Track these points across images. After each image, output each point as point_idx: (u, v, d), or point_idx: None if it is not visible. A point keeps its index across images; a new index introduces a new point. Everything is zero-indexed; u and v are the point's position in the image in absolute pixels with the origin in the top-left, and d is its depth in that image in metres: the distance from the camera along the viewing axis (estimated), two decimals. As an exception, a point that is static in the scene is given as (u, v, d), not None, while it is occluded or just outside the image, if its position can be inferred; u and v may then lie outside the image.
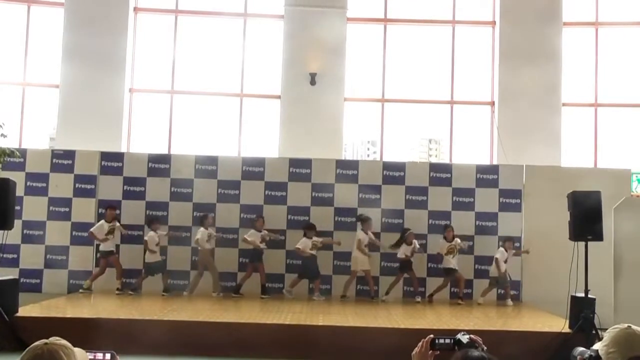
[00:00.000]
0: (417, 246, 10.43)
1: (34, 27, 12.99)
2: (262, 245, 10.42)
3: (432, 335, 2.34)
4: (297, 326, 7.70)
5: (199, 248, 10.43)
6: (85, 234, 10.69)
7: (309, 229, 10.49)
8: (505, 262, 10.33)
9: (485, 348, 2.22)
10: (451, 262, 10.39)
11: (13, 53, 12.97)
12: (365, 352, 7.24)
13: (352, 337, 7.43)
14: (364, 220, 10.51)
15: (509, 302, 10.36)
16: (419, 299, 10.50)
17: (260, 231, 10.44)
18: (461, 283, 10.48)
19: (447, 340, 2.30)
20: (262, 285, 10.40)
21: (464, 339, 2.26)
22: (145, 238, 10.44)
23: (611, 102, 13.02)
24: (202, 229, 10.42)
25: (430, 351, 2.31)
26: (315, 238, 10.39)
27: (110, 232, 10.34)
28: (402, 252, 10.40)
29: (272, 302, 9.75)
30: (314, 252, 10.36)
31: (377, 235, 10.73)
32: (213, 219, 10.71)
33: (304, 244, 10.33)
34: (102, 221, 10.38)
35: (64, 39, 12.63)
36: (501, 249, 10.42)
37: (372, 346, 7.26)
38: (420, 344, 2.33)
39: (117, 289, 10.21)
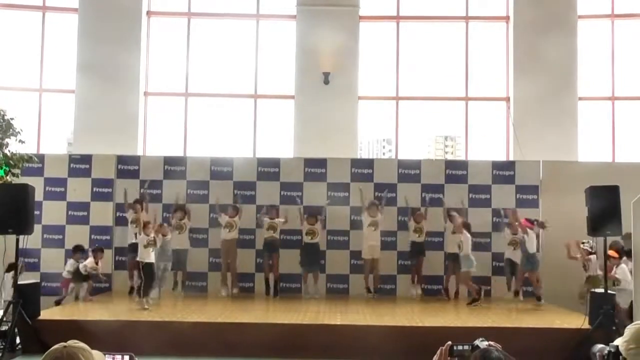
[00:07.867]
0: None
1: (49, 33, 13.10)
2: (272, 232, 10.50)
3: (450, 343, 2.34)
4: (316, 326, 7.72)
5: (222, 238, 10.50)
6: (104, 237, 10.85)
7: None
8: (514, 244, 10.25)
9: (505, 354, 2.21)
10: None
11: (29, 59, 13.08)
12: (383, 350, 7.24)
13: (370, 336, 7.42)
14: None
15: (520, 295, 10.32)
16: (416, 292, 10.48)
17: (274, 219, 10.56)
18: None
19: (466, 347, 2.29)
20: (274, 282, 10.45)
21: (482, 345, 2.25)
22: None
23: (629, 95, 12.82)
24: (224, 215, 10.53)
25: (449, 358, 2.31)
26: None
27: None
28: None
29: (287, 301, 9.78)
30: (308, 239, 10.43)
31: (394, 233, 10.75)
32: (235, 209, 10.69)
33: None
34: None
35: (78, 44, 12.73)
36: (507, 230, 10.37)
37: (389, 345, 7.25)
38: (438, 352, 2.33)
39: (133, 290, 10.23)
